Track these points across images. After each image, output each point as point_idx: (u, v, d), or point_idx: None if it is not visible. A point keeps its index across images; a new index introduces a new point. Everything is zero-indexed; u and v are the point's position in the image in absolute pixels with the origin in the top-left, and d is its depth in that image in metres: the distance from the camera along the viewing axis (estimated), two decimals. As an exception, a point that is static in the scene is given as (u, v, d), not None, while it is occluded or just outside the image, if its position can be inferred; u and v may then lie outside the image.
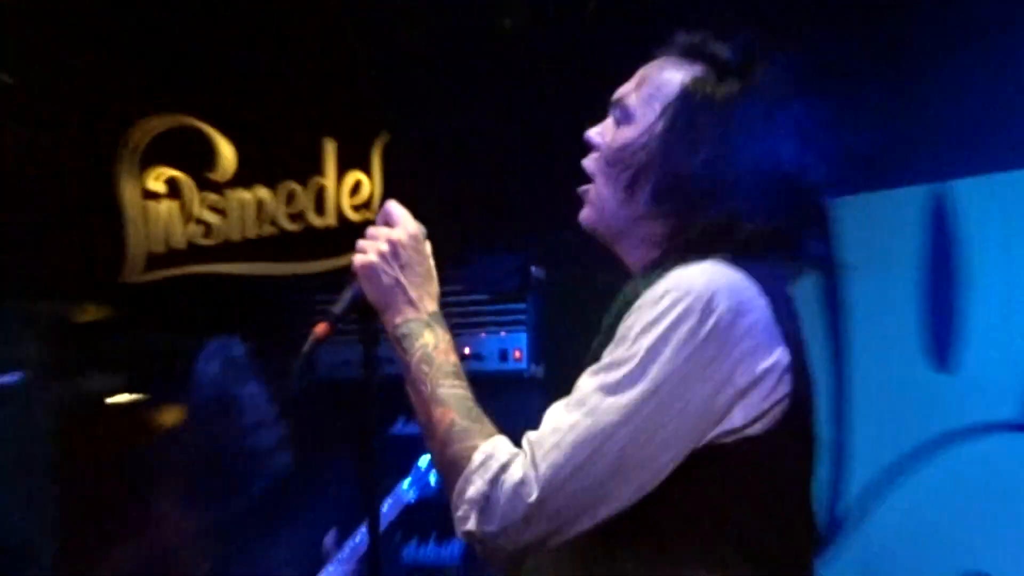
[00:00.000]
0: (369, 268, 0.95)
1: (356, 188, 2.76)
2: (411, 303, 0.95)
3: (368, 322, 0.98)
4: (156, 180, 2.88)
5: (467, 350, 2.56)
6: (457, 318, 2.53)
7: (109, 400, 2.83)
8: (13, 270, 2.59)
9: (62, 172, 2.78)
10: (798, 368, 0.85)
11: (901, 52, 2.36)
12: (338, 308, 0.96)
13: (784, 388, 0.82)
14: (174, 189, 2.86)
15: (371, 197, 2.72)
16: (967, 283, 2.36)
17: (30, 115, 2.66)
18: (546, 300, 2.61)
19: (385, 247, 0.96)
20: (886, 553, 2.51)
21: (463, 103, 2.56)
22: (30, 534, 2.85)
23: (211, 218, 2.85)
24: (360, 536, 2.23)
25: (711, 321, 0.78)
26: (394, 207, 1.01)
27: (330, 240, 2.76)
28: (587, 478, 0.78)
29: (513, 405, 1.13)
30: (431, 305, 0.96)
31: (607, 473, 0.79)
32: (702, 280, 0.81)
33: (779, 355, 0.83)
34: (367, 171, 2.80)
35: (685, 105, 0.90)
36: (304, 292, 2.59)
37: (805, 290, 1.90)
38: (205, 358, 2.34)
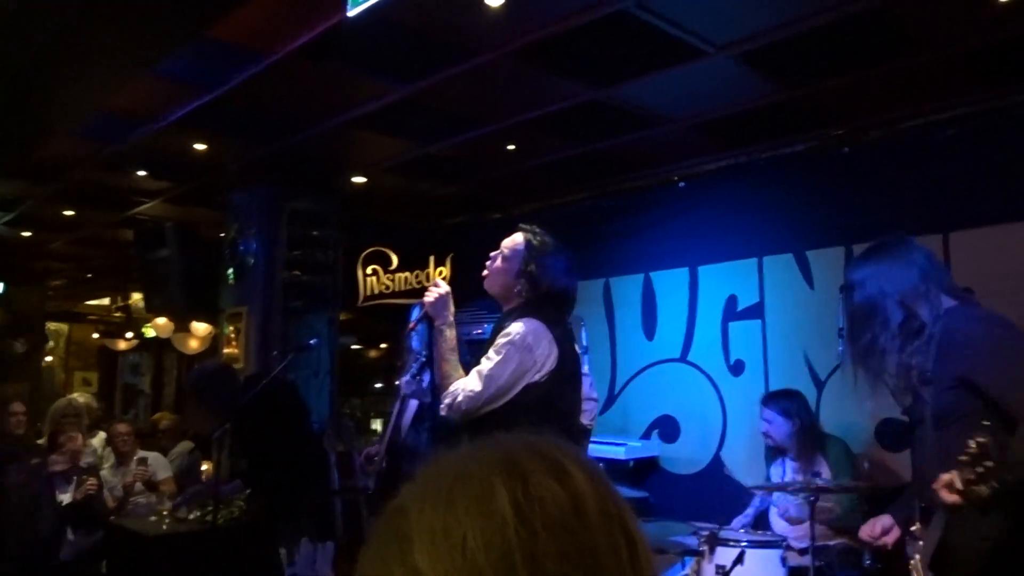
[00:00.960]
0: (433, 301, 2.81)
1: (440, 273, 6.96)
2: (446, 318, 2.81)
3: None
4: (370, 269, 7.17)
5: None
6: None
7: (354, 347, 7.17)
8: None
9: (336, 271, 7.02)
10: (561, 355, 2.61)
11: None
12: (418, 316, 3.06)
13: (552, 364, 2.59)
14: (376, 272, 7.19)
15: (446, 278, 6.86)
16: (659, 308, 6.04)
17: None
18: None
19: (437, 294, 2.83)
20: (629, 408, 5.54)
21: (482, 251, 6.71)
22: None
23: (388, 282, 7.16)
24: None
25: (525, 339, 2.58)
26: (440, 280, 2.92)
27: (431, 292, 6.91)
28: (486, 394, 2.56)
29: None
30: (451, 318, 2.81)
31: (493, 392, 2.55)
32: (523, 326, 2.61)
33: (553, 351, 2.62)
34: (445, 266, 7.00)
35: (527, 253, 2.78)
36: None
37: (597, 303, 5.85)
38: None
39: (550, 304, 2.80)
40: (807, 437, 4.01)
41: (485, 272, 2.93)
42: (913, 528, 2.23)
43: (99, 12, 2.84)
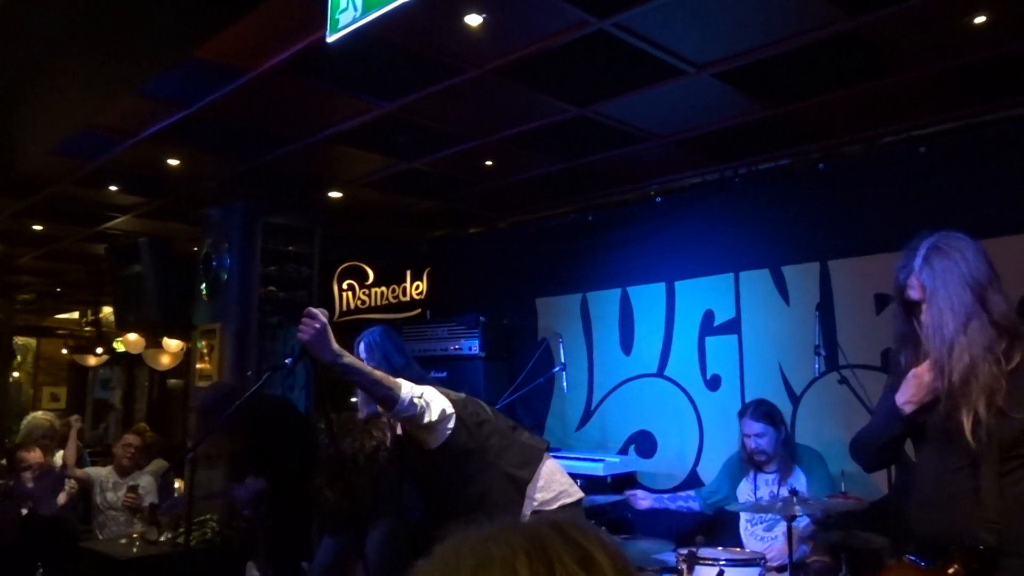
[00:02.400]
0: (311, 337, 2.29)
1: (417, 288, 6.95)
2: (332, 352, 2.32)
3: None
4: (346, 284, 7.13)
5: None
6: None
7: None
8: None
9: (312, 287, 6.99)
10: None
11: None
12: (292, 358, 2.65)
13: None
14: (352, 287, 7.14)
15: (423, 293, 6.86)
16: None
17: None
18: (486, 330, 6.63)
19: (312, 329, 2.30)
20: (607, 423, 5.50)
21: (460, 265, 6.68)
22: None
23: (364, 297, 7.12)
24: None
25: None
26: (313, 309, 2.33)
27: (407, 307, 6.90)
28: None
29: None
30: (335, 348, 2.32)
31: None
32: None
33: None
34: (422, 281, 7.00)
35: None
36: (396, 324, 6.70)
37: (574, 317, 5.86)
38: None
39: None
40: (788, 447, 4.04)
41: None
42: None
43: (84, 33, 2.80)
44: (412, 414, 2.49)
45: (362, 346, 3.94)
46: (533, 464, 2.76)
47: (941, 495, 2.03)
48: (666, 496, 4.51)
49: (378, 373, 2.48)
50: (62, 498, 5.01)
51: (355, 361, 2.52)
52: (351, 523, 3.18)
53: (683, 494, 4.46)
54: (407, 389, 2.48)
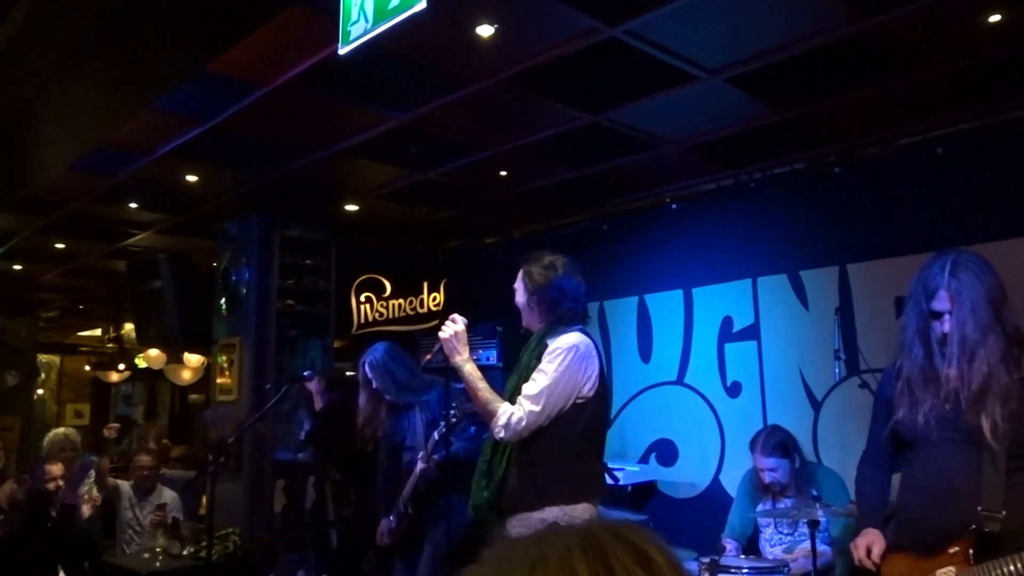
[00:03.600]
0: (448, 338, 2.81)
1: (434, 299, 6.96)
2: (461, 353, 2.80)
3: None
4: (363, 296, 7.15)
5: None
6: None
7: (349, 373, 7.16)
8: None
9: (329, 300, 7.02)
10: (601, 371, 2.72)
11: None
12: (434, 350, 2.94)
13: (596, 379, 2.70)
14: (369, 299, 7.16)
15: (440, 304, 6.87)
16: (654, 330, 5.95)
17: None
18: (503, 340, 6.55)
19: (453, 330, 2.82)
20: (626, 432, 5.44)
21: (476, 276, 6.69)
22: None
23: (381, 310, 7.14)
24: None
25: (575, 356, 2.67)
26: (457, 316, 2.85)
27: (424, 319, 6.91)
28: (544, 412, 2.64)
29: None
30: (467, 353, 2.81)
31: (546, 410, 2.63)
32: (571, 339, 2.72)
33: (597, 367, 2.72)
34: (439, 292, 7.00)
35: (528, 285, 2.85)
36: (414, 336, 6.69)
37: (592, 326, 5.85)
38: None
39: (575, 319, 2.89)
40: (804, 472, 3.94)
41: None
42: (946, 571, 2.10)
43: (99, 49, 2.84)
44: (506, 436, 2.74)
45: (367, 367, 4.01)
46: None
47: (947, 490, 2.14)
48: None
49: (489, 393, 2.79)
50: (87, 509, 5.04)
51: (475, 372, 2.83)
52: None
53: (731, 547, 4.10)
54: (505, 414, 2.73)
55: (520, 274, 2.96)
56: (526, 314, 2.98)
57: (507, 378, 3.04)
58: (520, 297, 2.96)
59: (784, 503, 3.91)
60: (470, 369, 2.82)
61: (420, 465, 3.86)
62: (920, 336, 2.21)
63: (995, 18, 3.20)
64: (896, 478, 2.43)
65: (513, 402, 2.77)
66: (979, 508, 2.04)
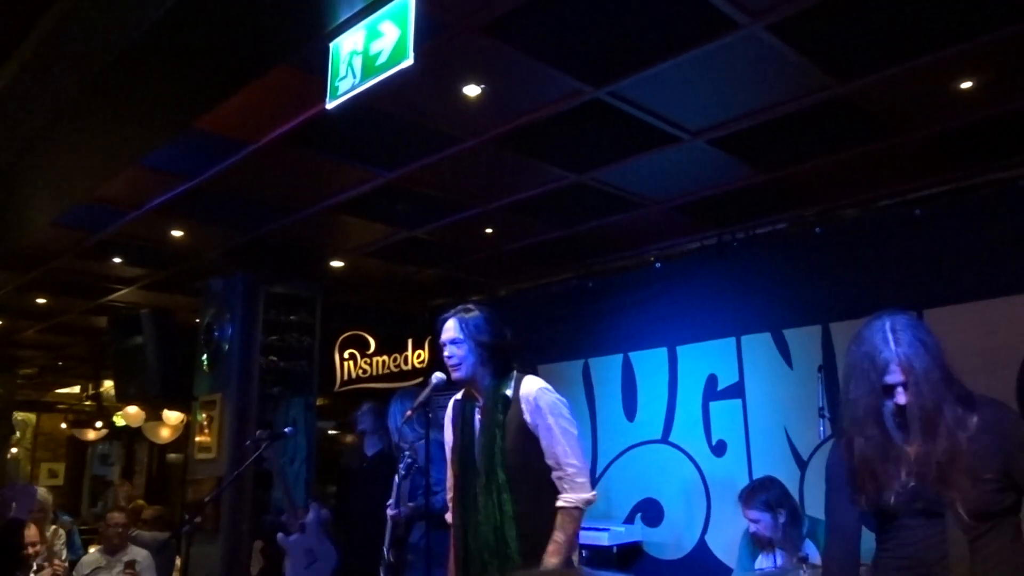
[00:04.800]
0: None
1: (419, 356, 6.92)
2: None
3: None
4: (347, 353, 7.11)
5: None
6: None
7: (331, 432, 7.06)
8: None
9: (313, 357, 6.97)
10: None
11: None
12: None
13: None
14: (352, 356, 7.12)
15: (424, 361, 6.83)
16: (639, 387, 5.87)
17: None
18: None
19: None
20: (611, 491, 5.32)
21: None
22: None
23: (365, 366, 7.09)
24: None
25: (566, 402, 2.81)
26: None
27: (409, 376, 6.86)
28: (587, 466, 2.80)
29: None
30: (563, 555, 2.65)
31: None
32: (540, 382, 2.80)
33: None
34: (424, 350, 6.97)
35: (468, 329, 2.81)
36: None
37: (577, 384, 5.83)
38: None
39: (513, 357, 2.90)
40: (792, 525, 3.91)
41: (452, 368, 2.88)
42: None
43: (86, 107, 2.87)
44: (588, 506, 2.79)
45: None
46: None
47: (920, 563, 2.04)
48: None
49: (563, 546, 2.71)
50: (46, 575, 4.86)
51: (555, 560, 2.68)
52: None
53: None
54: (580, 498, 2.74)
55: (452, 323, 2.89)
56: (470, 367, 2.86)
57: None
58: (461, 348, 2.85)
59: (774, 556, 3.89)
60: (562, 557, 2.71)
61: (391, 512, 3.90)
62: (873, 413, 2.05)
63: (966, 84, 3.30)
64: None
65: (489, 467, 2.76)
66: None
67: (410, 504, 4.05)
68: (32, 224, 4.70)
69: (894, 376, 2.01)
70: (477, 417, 2.87)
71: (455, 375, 2.87)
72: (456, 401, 3.05)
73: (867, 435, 2.06)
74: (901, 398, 2.01)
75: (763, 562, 4.00)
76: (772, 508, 3.86)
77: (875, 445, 2.05)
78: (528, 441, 2.78)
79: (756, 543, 4.00)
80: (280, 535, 4.98)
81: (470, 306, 2.96)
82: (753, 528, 3.90)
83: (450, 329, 2.87)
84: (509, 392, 2.81)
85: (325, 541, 4.96)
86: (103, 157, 3.44)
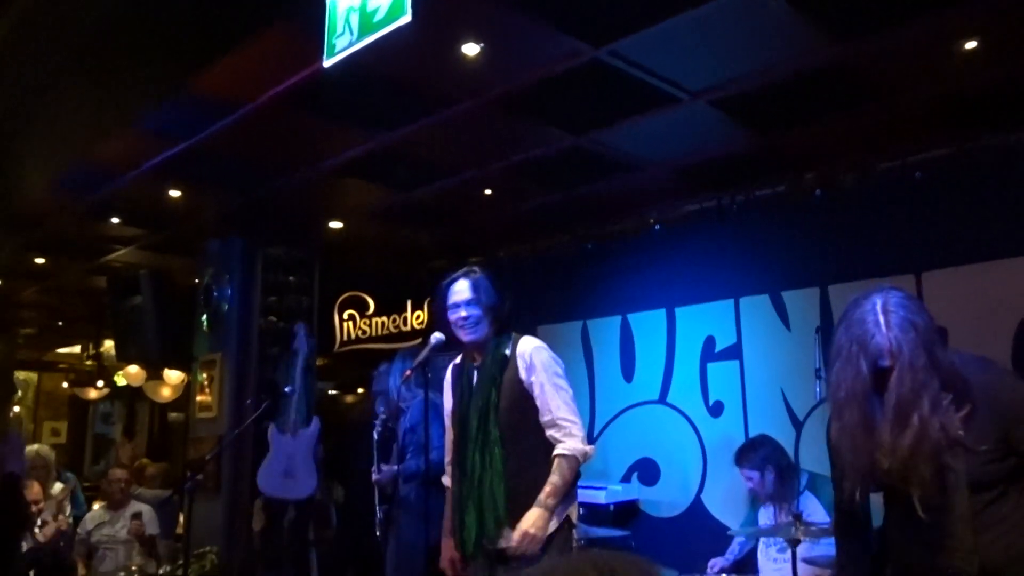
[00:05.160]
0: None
1: (418, 317, 6.94)
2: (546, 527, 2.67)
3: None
4: (346, 314, 7.13)
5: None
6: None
7: (331, 392, 7.10)
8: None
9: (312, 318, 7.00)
10: None
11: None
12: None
13: None
14: (352, 317, 7.14)
15: (423, 322, 6.85)
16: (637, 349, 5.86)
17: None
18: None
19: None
20: (609, 451, 5.39)
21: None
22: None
23: (364, 327, 7.12)
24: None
25: (561, 362, 2.85)
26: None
27: (408, 336, 6.89)
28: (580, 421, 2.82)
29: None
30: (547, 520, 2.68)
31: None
32: (536, 342, 2.88)
33: None
34: (423, 311, 6.99)
35: (487, 289, 2.89)
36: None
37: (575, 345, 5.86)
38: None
39: (512, 318, 2.94)
40: (785, 480, 4.01)
41: (466, 331, 2.88)
42: None
43: (80, 67, 2.84)
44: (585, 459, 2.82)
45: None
46: None
47: (918, 532, 2.02)
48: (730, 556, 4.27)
49: (560, 487, 2.74)
50: (55, 529, 4.92)
51: (552, 502, 2.72)
52: None
53: (737, 541, 4.28)
54: (574, 452, 2.76)
55: (466, 284, 2.90)
56: (472, 329, 2.88)
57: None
58: (475, 310, 2.87)
59: (769, 509, 4.02)
60: (551, 504, 2.73)
61: (374, 476, 4.16)
62: (855, 398, 1.97)
63: (971, 45, 3.26)
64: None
65: (478, 423, 2.80)
66: (953, 547, 1.95)
67: (395, 467, 4.18)
68: (29, 185, 4.68)
69: (883, 361, 1.94)
70: (475, 377, 2.89)
71: (468, 337, 2.87)
72: (455, 365, 3.08)
73: (844, 421, 2.00)
74: (887, 384, 1.93)
75: (763, 515, 4.12)
76: (761, 466, 3.99)
77: (849, 433, 1.99)
78: (523, 399, 2.80)
79: (755, 499, 4.14)
80: (272, 428, 4.98)
81: (475, 268, 2.97)
82: (748, 485, 4.03)
83: (464, 290, 2.87)
84: (507, 351, 2.83)
85: (310, 464, 4.95)
86: (98, 117, 3.42)
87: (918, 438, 1.88)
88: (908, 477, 1.92)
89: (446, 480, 3.06)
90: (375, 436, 4.28)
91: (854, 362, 1.96)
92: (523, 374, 2.81)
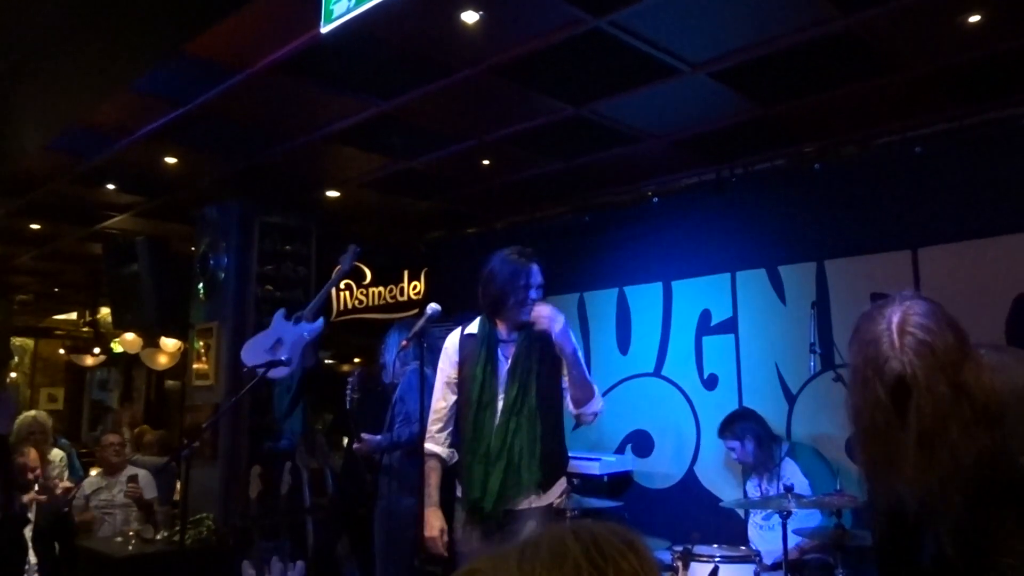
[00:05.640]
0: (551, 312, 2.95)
1: (414, 288, 6.95)
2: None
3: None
4: (343, 284, 7.12)
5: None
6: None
7: (328, 361, 7.10)
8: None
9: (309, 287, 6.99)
10: None
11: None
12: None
13: None
14: (349, 287, 7.14)
15: (420, 293, 6.86)
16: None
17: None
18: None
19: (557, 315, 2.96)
20: (603, 422, 5.23)
21: (458, 266, 6.69)
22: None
23: (361, 297, 7.12)
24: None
25: None
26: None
27: (405, 307, 6.91)
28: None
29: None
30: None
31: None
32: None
33: None
34: (419, 281, 7.00)
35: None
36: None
37: (571, 317, 5.88)
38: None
39: None
40: (765, 449, 4.15)
41: (525, 310, 3.05)
42: None
43: (76, 29, 2.81)
44: (593, 420, 3.09)
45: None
46: None
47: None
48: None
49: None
50: (51, 495, 4.95)
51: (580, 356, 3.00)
52: None
53: None
54: (599, 398, 3.10)
55: (543, 272, 3.13)
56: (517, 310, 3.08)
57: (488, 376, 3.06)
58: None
59: (754, 481, 4.21)
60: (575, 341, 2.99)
61: (355, 446, 4.29)
62: (875, 429, 1.80)
63: (974, 18, 3.24)
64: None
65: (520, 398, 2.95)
66: None
67: (377, 437, 4.25)
68: (24, 148, 4.65)
69: (900, 388, 1.74)
70: (505, 350, 3.04)
71: (527, 316, 3.03)
72: (468, 335, 3.12)
73: (867, 455, 1.84)
74: (906, 411, 1.74)
75: (750, 487, 4.21)
76: (740, 437, 4.16)
77: (873, 465, 1.84)
78: (554, 369, 3.03)
79: (745, 470, 4.26)
80: (280, 313, 4.86)
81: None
82: (732, 456, 4.25)
83: (539, 275, 3.12)
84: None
85: (298, 351, 4.75)
86: (93, 80, 3.39)
87: (950, 469, 1.70)
88: (944, 508, 1.74)
89: (434, 447, 3.09)
90: (347, 405, 4.39)
91: (871, 387, 1.78)
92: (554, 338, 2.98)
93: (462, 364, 3.11)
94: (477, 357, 3.05)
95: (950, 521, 1.73)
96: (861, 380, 1.78)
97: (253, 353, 4.58)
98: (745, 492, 4.42)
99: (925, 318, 1.76)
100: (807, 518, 3.76)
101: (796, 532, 3.53)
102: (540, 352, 3.01)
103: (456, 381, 3.14)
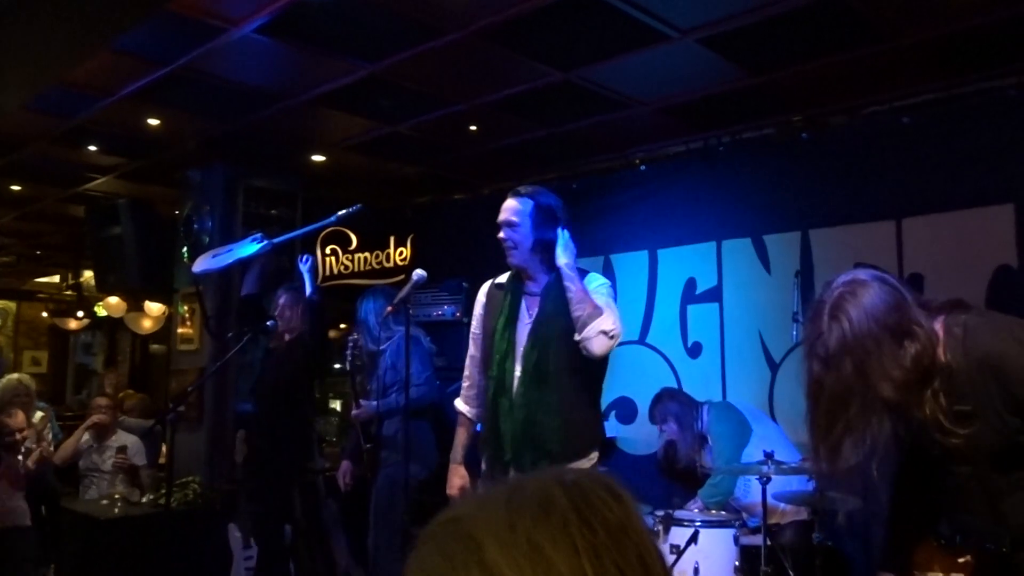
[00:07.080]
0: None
1: (400, 254, 6.93)
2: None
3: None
4: (329, 249, 7.09)
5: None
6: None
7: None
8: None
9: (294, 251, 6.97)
10: None
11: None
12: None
13: None
14: (334, 252, 7.11)
15: (406, 259, 6.84)
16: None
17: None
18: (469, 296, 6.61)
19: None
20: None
21: (444, 232, 6.66)
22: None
23: (347, 262, 7.09)
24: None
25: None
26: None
27: (391, 273, 6.89)
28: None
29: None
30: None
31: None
32: (600, 279, 3.03)
33: None
34: (406, 247, 6.98)
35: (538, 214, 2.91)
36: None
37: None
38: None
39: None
40: (687, 428, 4.27)
41: (506, 253, 2.92)
42: None
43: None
44: (602, 348, 2.81)
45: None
46: None
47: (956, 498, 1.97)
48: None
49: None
50: (35, 457, 4.95)
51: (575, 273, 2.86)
52: None
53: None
54: (609, 318, 2.83)
55: (515, 210, 2.91)
56: (512, 254, 2.95)
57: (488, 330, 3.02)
58: (515, 235, 2.92)
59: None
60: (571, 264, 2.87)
61: (353, 412, 4.26)
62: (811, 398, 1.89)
63: (965, -12, 3.22)
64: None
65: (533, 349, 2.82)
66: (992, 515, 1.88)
67: (374, 403, 4.29)
68: (3, 108, 4.57)
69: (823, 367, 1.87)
70: (530, 305, 2.91)
71: (510, 260, 2.96)
72: (496, 284, 3.06)
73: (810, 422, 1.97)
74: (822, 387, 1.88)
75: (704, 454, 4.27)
76: (662, 420, 4.38)
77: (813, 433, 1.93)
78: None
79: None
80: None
81: (526, 189, 3.04)
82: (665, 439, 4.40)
83: (506, 211, 2.99)
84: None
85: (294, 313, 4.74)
86: (73, 38, 3.32)
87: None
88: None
89: (462, 406, 3.09)
90: (347, 366, 4.41)
91: (806, 362, 1.88)
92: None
93: (485, 317, 3.03)
94: (500, 309, 2.96)
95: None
96: (804, 353, 1.89)
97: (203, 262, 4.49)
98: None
99: (861, 301, 1.79)
100: (785, 483, 3.80)
101: (776, 497, 3.57)
102: (564, 319, 2.83)
103: (480, 336, 3.05)
